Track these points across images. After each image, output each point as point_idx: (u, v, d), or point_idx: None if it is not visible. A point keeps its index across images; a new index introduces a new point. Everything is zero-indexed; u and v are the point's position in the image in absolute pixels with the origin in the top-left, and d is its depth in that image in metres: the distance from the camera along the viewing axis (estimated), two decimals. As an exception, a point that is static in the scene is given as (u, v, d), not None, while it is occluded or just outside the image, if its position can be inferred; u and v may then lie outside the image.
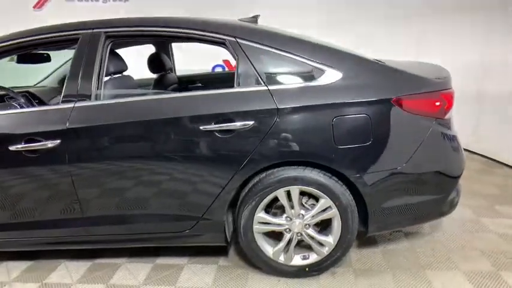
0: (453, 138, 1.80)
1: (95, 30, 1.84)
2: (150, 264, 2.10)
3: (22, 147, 1.75)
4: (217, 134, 1.69)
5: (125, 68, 2.15)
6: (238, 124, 1.68)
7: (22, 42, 1.87)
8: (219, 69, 6.10)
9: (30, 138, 1.75)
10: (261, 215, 1.81)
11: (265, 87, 1.72)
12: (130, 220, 1.88)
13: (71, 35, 1.86)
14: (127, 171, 1.78)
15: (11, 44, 1.87)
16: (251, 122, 1.67)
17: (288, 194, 1.77)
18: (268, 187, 1.75)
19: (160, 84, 2.76)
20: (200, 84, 3.24)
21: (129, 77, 2.23)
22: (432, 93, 1.73)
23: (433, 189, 1.82)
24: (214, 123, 1.69)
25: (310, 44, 1.80)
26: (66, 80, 1.81)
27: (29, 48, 1.97)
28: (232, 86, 1.75)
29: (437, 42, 3.79)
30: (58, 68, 3.23)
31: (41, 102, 2.54)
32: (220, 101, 1.73)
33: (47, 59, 2.58)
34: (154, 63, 2.77)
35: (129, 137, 1.75)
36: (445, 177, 1.81)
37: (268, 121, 1.67)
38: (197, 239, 1.91)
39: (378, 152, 1.70)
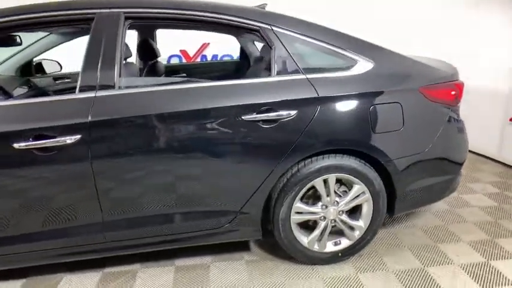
0: (462, 125, 2.00)
1: (112, 10, 1.62)
2: (171, 267, 1.95)
3: (32, 145, 1.47)
4: (260, 124, 1.64)
5: (130, 53, 1.95)
6: (281, 114, 1.64)
7: (25, 19, 1.56)
8: (175, 60, 5.83)
9: (41, 134, 1.48)
10: (298, 205, 1.80)
11: (304, 76, 1.71)
12: (161, 221, 1.72)
13: (83, 13, 1.61)
14: (160, 167, 1.62)
15: (11, 21, 1.55)
16: (294, 112, 1.65)
17: (324, 182, 1.80)
18: (307, 177, 1.75)
19: (152, 73, 2.55)
20: (185, 75, 3.07)
21: (133, 63, 2.02)
22: (449, 83, 1.90)
23: (447, 171, 2.00)
24: (257, 113, 1.63)
25: (341, 33, 1.82)
26: (82, 66, 1.57)
27: (31, 27, 1.66)
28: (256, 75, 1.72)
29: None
30: (14, 55, 2.77)
31: (5, 93, 2.19)
32: (263, 90, 1.67)
33: (16, 42, 2.21)
34: (145, 50, 2.55)
35: (164, 129, 1.58)
36: (457, 159, 2.01)
37: (311, 110, 1.67)
38: (233, 235, 1.83)
39: (407, 138, 1.81)
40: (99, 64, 1.56)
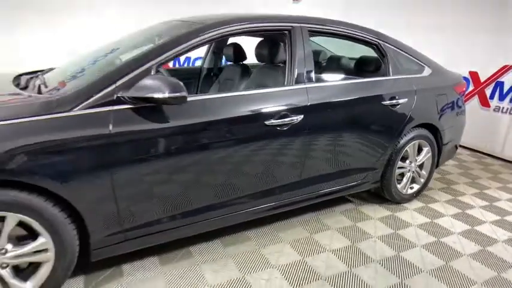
0: (465, 108, 3.22)
1: (302, 25, 2.22)
2: (303, 219, 2.59)
3: (277, 122, 1.97)
4: (390, 107, 2.48)
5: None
6: (400, 101, 2.52)
7: (245, 27, 2.01)
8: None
9: (282, 114, 2.00)
10: (400, 162, 2.71)
11: (405, 76, 2.64)
12: (332, 177, 2.39)
13: (285, 26, 2.16)
14: (338, 137, 2.29)
15: (237, 28, 1.97)
16: (406, 99, 2.55)
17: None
18: (407, 142, 2.67)
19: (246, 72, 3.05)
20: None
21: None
22: (462, 82, 3.11)
23: (457, 137, 3.20)
24: (387, 100, 2.47)
25: (411, 47, 2.81)
26: (295, 64, 2.12)
27: (243, 34, 2.09)
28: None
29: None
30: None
31: None
32: (390, 85, 2.52)
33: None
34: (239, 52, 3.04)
35: (345, 111, 2.29)
36: (462, 129, 3.23)
37: (412, 98, 2.60)
38: (364, 186, 2.62)
39: (449, 115, 2.92)
40: (305, 63, 2.15)
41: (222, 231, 2.25)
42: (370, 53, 2.75)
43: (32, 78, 2.10)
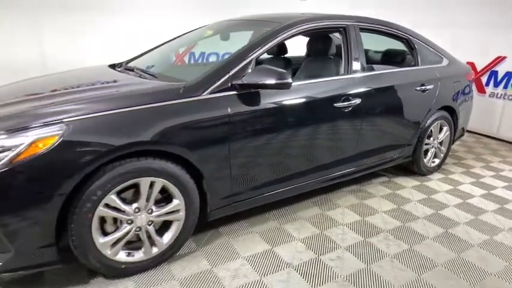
0: (473, 93, 3.73)
1: (354, 23, 2.63)
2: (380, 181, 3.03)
3: (342, 105, 2.38)
4: (421, 92, 2.94)
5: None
6: (428, 87, 2.99)
7: (317, 25, 2.43)
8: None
9: (345, 97, 2.41)
10: (426, 140, 3.19)
11: (430, 66, 3.11)
12: (376, 152, 2.82)
13: (340, 24, 2.56)
14: (385, 117, 2.74)
15: (308, 27, 2.37)
16: (432, 86, 3.03)
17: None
18: (432, 122, 3.15)
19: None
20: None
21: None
22: (471, 71, 3.62)
23: (467, 119, 3.71)
24: (419, 86, 2.93)
25: (432, 41, 3.28)
26: (351, 57, 2.53)
27: (313, 31, 2.48)
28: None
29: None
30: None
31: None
32: (420, 73, 2.99)
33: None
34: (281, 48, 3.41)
35: (392, 95, 2.74)
36: (470, 112, 3.75)
37: (436, 85, 3.08)
38: (400, 160, 3.07)
39: (462, 98, 3.42)
40: (359, 56, 2.57)
41: (289, 200, 2.64)
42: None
43: (129, 69, 2.43)
